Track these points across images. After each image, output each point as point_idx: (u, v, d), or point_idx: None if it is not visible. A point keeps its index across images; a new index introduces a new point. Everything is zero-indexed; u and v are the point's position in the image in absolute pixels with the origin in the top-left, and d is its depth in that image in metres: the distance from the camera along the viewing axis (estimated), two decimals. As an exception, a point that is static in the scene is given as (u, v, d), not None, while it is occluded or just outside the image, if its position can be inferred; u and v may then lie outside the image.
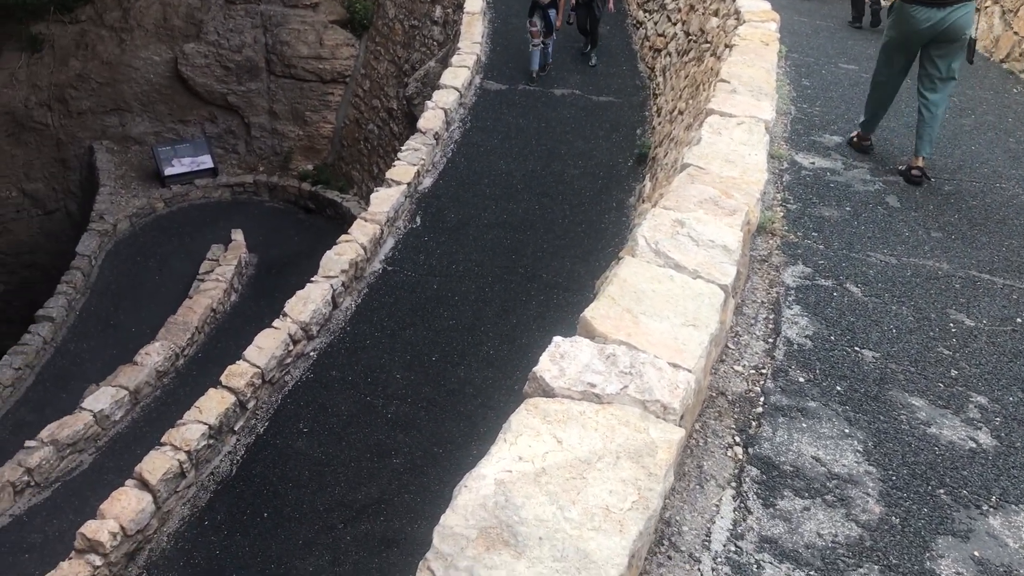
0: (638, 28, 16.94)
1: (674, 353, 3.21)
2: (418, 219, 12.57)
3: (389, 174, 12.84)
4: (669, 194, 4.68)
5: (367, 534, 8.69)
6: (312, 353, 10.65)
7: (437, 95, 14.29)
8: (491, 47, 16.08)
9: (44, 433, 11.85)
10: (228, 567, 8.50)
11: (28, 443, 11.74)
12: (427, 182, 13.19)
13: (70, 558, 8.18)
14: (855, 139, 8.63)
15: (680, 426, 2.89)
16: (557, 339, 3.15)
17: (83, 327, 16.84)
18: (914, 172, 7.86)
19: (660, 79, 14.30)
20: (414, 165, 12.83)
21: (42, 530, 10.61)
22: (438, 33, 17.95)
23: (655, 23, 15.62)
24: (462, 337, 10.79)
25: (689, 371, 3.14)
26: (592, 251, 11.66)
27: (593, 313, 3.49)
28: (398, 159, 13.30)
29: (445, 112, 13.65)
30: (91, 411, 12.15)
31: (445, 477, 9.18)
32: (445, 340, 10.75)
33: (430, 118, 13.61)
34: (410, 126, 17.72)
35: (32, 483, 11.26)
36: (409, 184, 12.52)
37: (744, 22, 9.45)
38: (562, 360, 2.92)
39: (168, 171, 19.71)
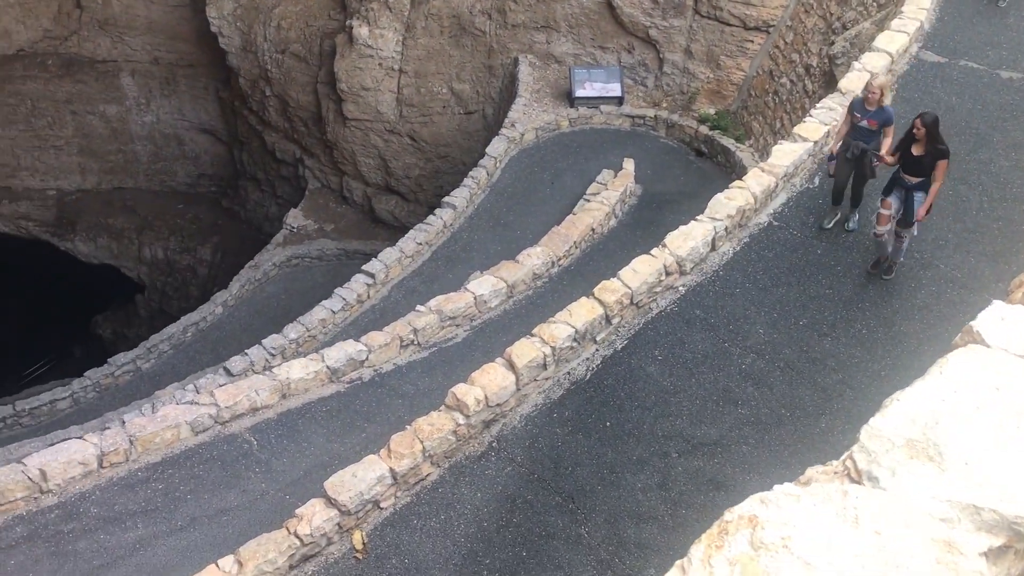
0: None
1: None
2: (816, 180, 12.17)
3: (797, 129, 12.51)
4: None
5: (698, 471, 8.86)
6: (681, 288, 10.86)
7: (865, 57, 13.56)
8: (939, 15, 14.83)
9: (432, 303, 13.30)
10: (566, 460, 9.13)
11: (418, 307, 13.27)
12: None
13: (439, 410, 9.24)
14: None
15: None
16: (997, 302, 3.01)
17: (477, 220, 18.49)
18: None
19: None
20: (825, 125, 12.37)
21: (415, 383, 12.02)
22: (881, -7, 16.93)
23: None
24: (836, 308, 10.42)
25: None
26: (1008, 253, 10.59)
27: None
28: (809, 116, 12.90)
29: (871, 75, 12.93)
30: (473, 293, 13.41)
31: (787, 439, 9.07)
32: (816, 307, 10.45)
33: (853, 80, 12.97)
34: (826, 86, 17.03)
35: (415, 342, 12.75)
36: (816, 143, 12.11)
37: None
38: (1001, 322, 2.81)
39: (579, 93, 20.75)
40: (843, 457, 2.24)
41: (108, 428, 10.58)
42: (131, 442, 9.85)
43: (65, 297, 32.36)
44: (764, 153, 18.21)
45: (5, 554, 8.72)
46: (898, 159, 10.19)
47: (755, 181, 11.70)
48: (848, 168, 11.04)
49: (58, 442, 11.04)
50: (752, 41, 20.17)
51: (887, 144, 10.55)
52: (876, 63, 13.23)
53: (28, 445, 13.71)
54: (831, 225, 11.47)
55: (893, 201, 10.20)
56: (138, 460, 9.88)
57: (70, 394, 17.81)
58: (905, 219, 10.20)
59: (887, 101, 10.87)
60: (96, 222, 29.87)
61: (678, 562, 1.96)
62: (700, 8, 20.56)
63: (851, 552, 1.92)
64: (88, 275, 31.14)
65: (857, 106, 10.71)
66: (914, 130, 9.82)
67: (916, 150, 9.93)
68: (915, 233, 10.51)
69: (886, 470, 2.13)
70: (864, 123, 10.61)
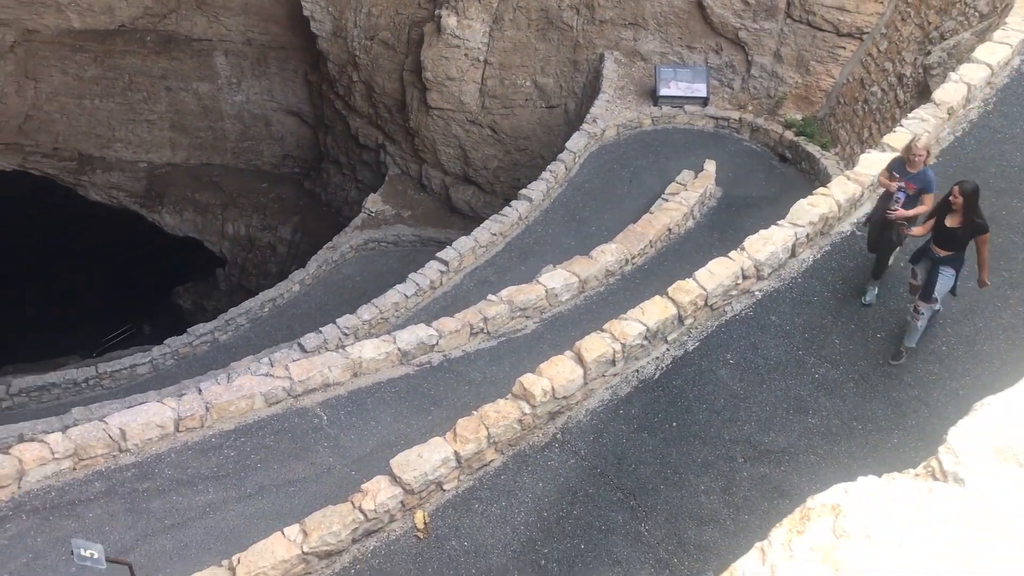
0: None
1: None
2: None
3: (887, 139, 12.23)
4: None
5: (764, 477, 8.77)
6: (757, 292, 10.74)
7: (964, 69, 13.16)
8: (1045, 28, 14.30)
9: (503, 293, 13.38)
10: (629, 457, 9.12)
11: (490, 297, 13.36)
12: (925, 156, 12.35)
13: (506, 398, 9.31)
14: None
15: None
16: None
17: (553, 214, 18.51)
18: None
19: None
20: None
21: (482, 371, 12.12)
22: (983, 4, 16.37)
23: None
24: (917, 324, 10.16)
25: None
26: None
27: None
28: (900, 126, 12.58)
29: (968, 88, 12.57)
30: (544, 286, 13.45)
31: (856, 453, 8.93)
32: (896, 321, 10.21)
33: (949, 91, 12.61)
34: (919, 96, 16.59)
35: (484, 331, 12.85)
36: (905, 154, 11.82)
37: None
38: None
39: (663, 92, 20.59)
40: (928, 459, 2.22)
41: (185, 394, 10.92)
42: (207, 409, 10.16)
43: (149, 267, 33.41)
44: (850, 162, 17.84)
45: (84, 507, 9.09)
46: (930, 228, 9.17)
47: (840, 189, 11.49)
48: (877, 232, 10.19)
49: (137, 404, 11.47)
50: (844, 47, 19.73)
51: (920, 211, 9.52)
52: (975, 75, 12.84)
53: (108, 406, 14.24)
54: (871, 302, 10.38)
55: (919, 272, 9.33)
56: (213, 427, 10.19)
57: (150, 360, 18.41)
58: (926, 293, 9.15)
59: (930, 162, 9.95)
60: (183, 196, 30.76)
61: (758, 544, 1.97)
62: (792, 12, 20.18)
63: (933, 549, 1.90)
64: (172, 247, 32.08)
65: (897, 166, 9.79)
66: (951, 198, 8.76)
67: (951, 221, 8.88)
68: (939, 309, 9.50)
69: (973, 472, 2.10)
70: (902, 185, 9.67)
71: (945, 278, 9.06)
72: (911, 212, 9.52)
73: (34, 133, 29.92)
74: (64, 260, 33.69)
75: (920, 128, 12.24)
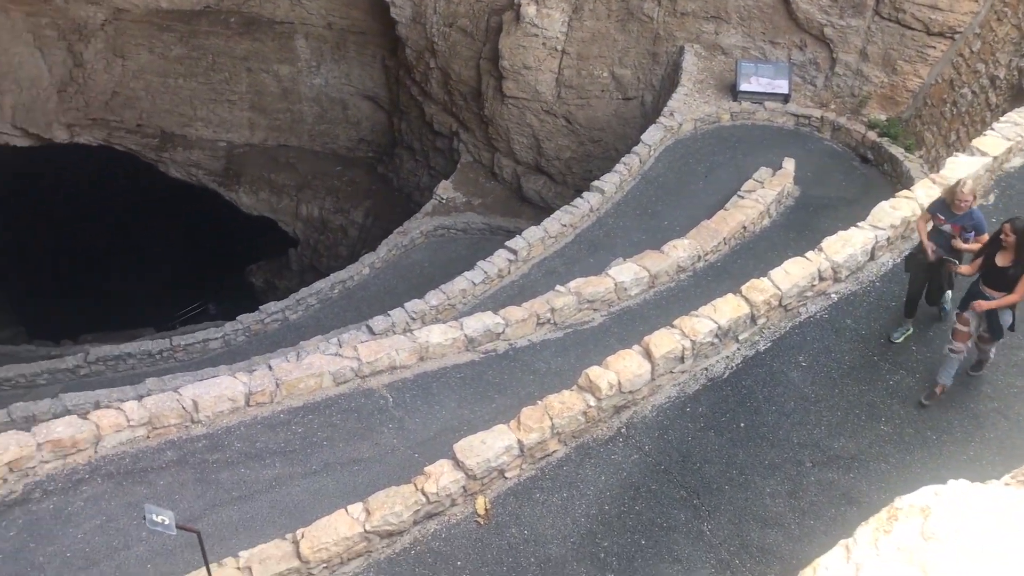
0: None
1: None
2: (992, 197, 11.49)
3: (976, 142, 11.85)
4: None
5: (832, 483, 8.59)
6: (833, 295, 10.52)
7: (1062, 71, 12.67)
8: None
9: (571, 284, 13.31)
10: (694, 455, 9.01)
11: (558, 288, 13.32)
12: (1016, 162, 11.93)
13: (571, 390, 9.28)
14: None
15: None
16: None
17: (625, 207, 18.35)
18: None
19: None
20: (1008, 140, 11.66)
21: (547, 361, 12.09)
22: (1085, 5, 15.71)
23: None
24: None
25: None
26: None
27: None
28: (991, 130, 12.18)
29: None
30: (613, 279, 13.34)
31: (930, 463, 8.70)
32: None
33: (1046, 94, 12.16)
34: (1013, 100, 16.04)
35: (551, 321, 12.81)
36: (996, 158, 11.44)
37: None
38: None
39: (743, 87, 20.22)
40: (1018, 468, 2.11)
41: (256, 370, 11.13)
42: (277, 385, 10.34)
43: (223, 245, 34.18)
44: (935, 165, 17.34)
45: (156, 474, 9.34)
46: (979, 268, 8.68)
47: (924, 192, 11.18)
48: (923, 275, 9.66)
49: (209, 378, 11.73)
50: (934, 47, 19.11)
51: (970, 248, 9.07)
52: (1073, 78, 12.35)
53: (181, 378, 14.59)
54: (901, 340, 9.91)
55: (971, 317, 8.74)
56: (282, 403, 10.36)
57: (222, 335, 18.81)
58: (993, 333, 8.74)
59: (975, 205, 9.31)
60: (260, 176, 31.31)
61: (842, 541, 1.91)
62: (881, 9, 19.62)
63: (1028, 559, 1.82)
64: (247, 226, 32.74)
65: (940, 207, 9.31)
66: (1002, 236, 8.28)
67: (1002, 260, 8.38)
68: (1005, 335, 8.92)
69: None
70: (947, 228, 9.20)
71: (1003, 319, 8.65)
72: (972, 245, 8.97)
73: (120, 109, 30.76)
74: (143, 235, 34.73)
75: (1013, 132, 11.84)
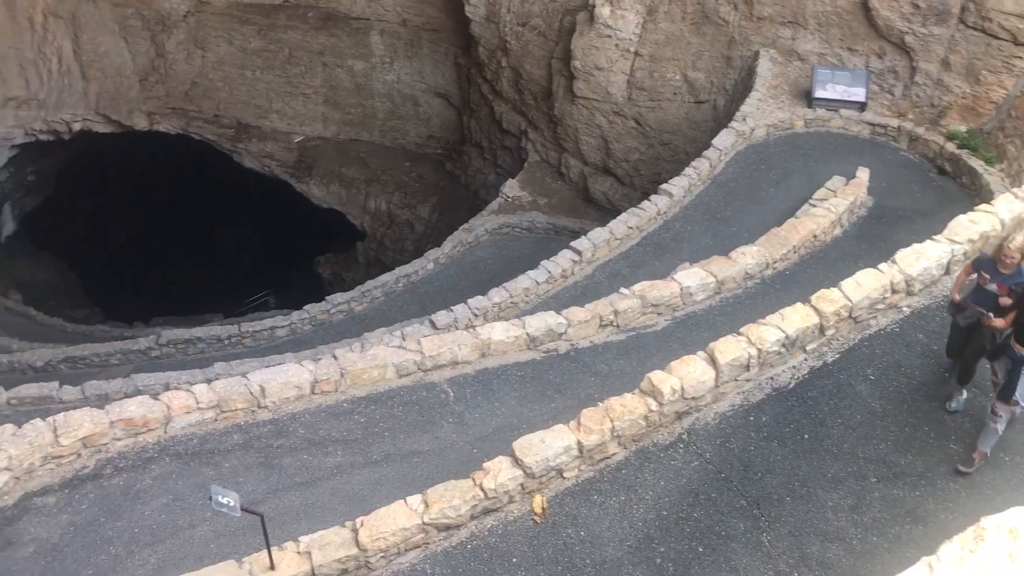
0: None
1: None
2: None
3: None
4: None
5: (897, 500, 8.43)
6: (905, 308, 10.30)
7: None
8: None
9: (636, 287, 13.26)
10: (756, 465, 8.91)
11: (622, 290, 13.27)
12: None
13: (633, 393, 9.25)
14: None
15: None
16: None
17: (693, 211, 18.18)
18: None
19: None
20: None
21: (609, 364, 12.05)
22: None
23: None
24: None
25: None
26: None
27: None
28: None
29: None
30: (679, 283, 13.25)
31: (1000, 485, 8.49)
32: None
33: None
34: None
35: (614, 324, 12.77)
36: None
37: None
38: None
39: (819, 93, 19.84)
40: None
41: (321, 359, 11.31)
42: (342, 374, 10.50)
43: (292, 235, 34.80)
44: (1016, 179, 16.84)
45: (222, 456, 9.57)
46: (1011, 322, 8.17)
47: (1005, 206, 10.89)
48: (962, 336, 9.10)
49: (275, 364, 11.96)
50: (1021, 57, 18.54)
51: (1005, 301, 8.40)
52: None
53: (247, 364, 14.89)
54: (956, 408, 9.23)
55: (1000, 369, 8.29)
56: (346, 392, 10.53)
57: (289, 324, 19.16)
58: (1005, 394, 8.18)
59: None
60: (331, 169, 31.80)
61: (925, 559, 1.87)
62: (966, 18, 19.08)
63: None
64: (316, 218, 33.28)
65: (986, 265, 8.70)
66: None
67: None
68: (1019, 412, 8.35)
69: None
70: (992, 287, 8.55)
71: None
72: (998, 320, 8.31)
73: (198, 99, 31.54)
74: (214, 224, 35.57)
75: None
